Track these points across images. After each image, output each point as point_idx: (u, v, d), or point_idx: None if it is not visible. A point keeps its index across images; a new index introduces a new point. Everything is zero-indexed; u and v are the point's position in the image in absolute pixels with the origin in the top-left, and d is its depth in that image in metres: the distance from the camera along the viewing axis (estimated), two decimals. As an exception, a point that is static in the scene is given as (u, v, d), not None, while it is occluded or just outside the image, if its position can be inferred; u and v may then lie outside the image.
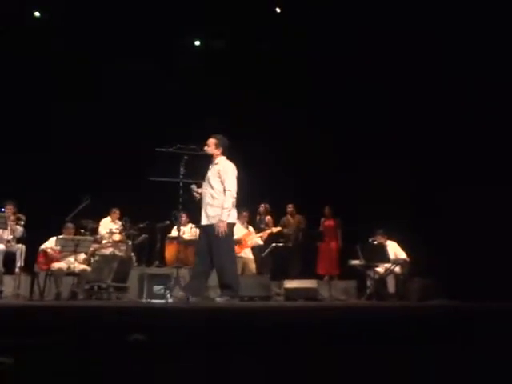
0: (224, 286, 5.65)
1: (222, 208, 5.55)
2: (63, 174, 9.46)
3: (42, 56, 9.70)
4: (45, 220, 8.01)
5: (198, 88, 9.96)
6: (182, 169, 5.82)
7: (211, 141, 5.77)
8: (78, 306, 5.13)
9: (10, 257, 7.94)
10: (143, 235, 8.90)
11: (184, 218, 8.51)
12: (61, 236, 7.80)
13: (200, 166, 5.89)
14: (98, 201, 8.54)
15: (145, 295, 7.34)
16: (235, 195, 5.63)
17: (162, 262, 8.83)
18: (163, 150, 5.74)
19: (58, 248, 7.64)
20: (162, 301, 6.06)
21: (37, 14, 10.09)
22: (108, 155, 9.55)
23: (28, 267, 7.82)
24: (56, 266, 7.55)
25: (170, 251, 8.61)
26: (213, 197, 5.64)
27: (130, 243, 8.64)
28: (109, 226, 8.72)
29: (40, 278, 7.55)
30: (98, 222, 8.80)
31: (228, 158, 5.78)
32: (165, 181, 5.99)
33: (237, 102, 10.04)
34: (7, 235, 7.91)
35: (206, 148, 5.77)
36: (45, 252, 7.69)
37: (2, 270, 7.67)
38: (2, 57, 9.41)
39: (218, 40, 10.61)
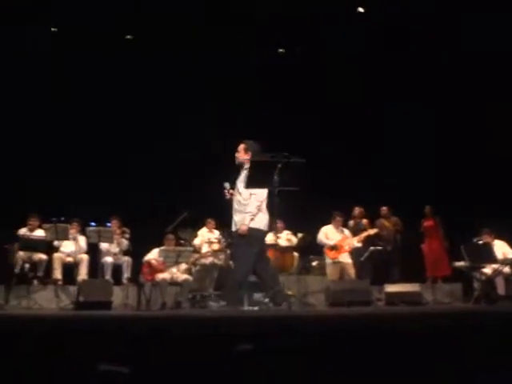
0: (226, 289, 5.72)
1: (245, 212, 5.53)
2: (161, 188, 9.82)
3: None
4: (146, 232, 8.35)
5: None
6: (275, 177, 5.82)
7: (241, 146, 5.77)
8: (184, 315, 5.28)
9: (117, 269, 8.38)
10: (241, 244, 9.01)
11: (280, 225, 8.56)
12: (163, 247, 8.11)
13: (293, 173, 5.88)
14: (193, 211, 8.77)
15: (246, 303, 7.42)
16: (261, 199, 5.58)
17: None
18: (256, 159, 5.78)
19: (161, 259, 7.94)
20: (263, 308, 6.10)
21: (128, 36, 10.62)
22: (204, 166, 9.78)
23: (134, 278, 8.20)
24: (160, 276, 7.84)
25: (267, 258, 8.66)
26: (240, 203, 5.62)
27: (228, 252, 8.79)
28: (206, 236, 8.94)
29: (146, 288, 7.87)
30: (195, 232, 9.04)
31: None
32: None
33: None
34: (114, 248, 8.36)
35: (236, 154, 5.75)
36: (149, 263, 8.01)
37: (112, 281, 8.09)
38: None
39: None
